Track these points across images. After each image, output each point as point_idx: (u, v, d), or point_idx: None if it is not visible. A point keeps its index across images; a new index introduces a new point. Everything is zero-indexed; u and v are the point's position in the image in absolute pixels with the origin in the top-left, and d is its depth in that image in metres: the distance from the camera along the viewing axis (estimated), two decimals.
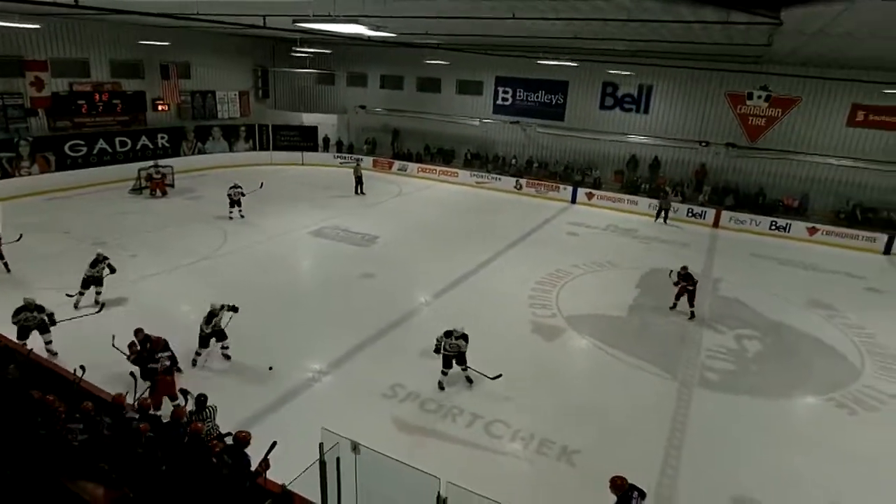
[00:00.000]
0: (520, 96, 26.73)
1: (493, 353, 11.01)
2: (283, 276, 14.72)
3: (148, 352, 8.61)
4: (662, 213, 22.16)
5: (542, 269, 15.88)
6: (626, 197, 23.83)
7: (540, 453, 8.43)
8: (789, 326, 13.44)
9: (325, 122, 29.88)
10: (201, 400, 7.43)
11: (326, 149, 29.63)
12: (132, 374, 8.25)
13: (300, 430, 7.14)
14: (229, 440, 6.28)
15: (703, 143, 23.49)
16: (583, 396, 10.06)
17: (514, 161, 27.00)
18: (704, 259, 18.22)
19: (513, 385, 10.06)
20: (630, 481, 6.21)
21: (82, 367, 7.65)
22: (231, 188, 18.93)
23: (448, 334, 9.80)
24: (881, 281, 17.18)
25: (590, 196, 24.37)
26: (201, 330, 9.92)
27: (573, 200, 24.53)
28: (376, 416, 8.93)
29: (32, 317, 9.72)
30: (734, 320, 13.55)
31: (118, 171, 22.76)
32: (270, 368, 9.94)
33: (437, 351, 9.94)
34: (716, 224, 22.14)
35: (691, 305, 13.38)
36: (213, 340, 10.07)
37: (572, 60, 20.96)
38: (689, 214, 22.64)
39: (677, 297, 13.61)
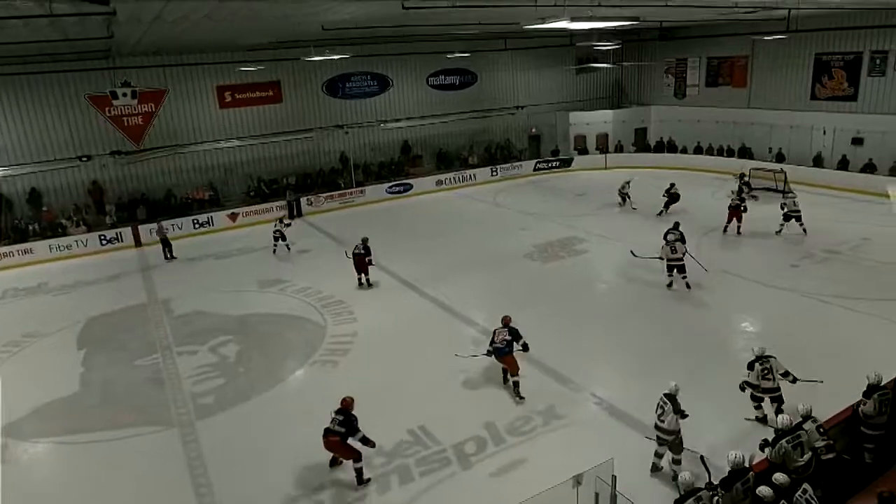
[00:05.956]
0: None
1: None
2: None
3: None
4: (294, 210, 21.86)
5: None
6: (13, 249, 18.43)
7: None
8: (254, 314, 13.34)
9: None
10: None
11: None
12: None
13: None
14: None
15: (85, 158, 20.20)
16: None
17: None
18: (143, 284, 16.10)
19: None
20: None
21: None
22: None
23: None
24: (306, 242, 18.85)
25: None
26: None
27: None
28: None
29: None
30: (203, 334, 12.46)
31: None
32: None
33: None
34: (138, 243, 19.78)
35: (738, 223, 15.51)
36: None
37: None
38: (104, 242, 19.41)
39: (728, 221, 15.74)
